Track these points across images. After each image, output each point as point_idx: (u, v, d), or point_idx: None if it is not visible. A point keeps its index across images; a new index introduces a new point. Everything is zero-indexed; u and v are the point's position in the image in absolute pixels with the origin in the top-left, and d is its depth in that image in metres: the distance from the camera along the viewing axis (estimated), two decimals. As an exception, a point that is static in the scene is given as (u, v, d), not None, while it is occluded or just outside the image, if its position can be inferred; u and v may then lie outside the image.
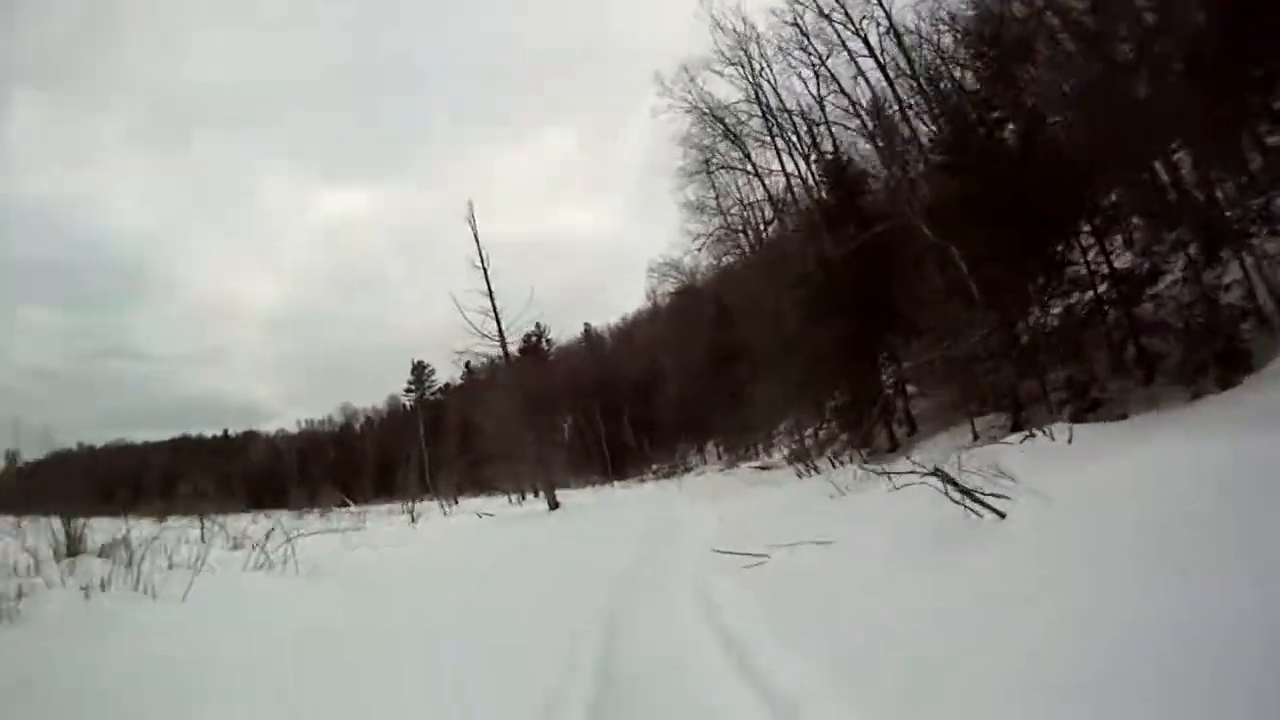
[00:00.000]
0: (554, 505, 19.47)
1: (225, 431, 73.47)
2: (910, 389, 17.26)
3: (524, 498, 30.13)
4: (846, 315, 16.00)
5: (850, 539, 6.48)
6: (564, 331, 60.04)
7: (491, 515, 18.73)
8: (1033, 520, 4.23)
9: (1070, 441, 6.95)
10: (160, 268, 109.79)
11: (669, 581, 7.41)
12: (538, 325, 68.68)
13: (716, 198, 29.46)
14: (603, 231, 76.85)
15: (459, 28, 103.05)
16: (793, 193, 25.07)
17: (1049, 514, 4.21)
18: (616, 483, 36.42)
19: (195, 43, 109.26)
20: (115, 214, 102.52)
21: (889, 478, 7.29)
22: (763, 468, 22.60)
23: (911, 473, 6.13)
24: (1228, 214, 10.55)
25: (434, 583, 7.42)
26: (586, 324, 60.10)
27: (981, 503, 4.71)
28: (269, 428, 73.43)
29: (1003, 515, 4.60)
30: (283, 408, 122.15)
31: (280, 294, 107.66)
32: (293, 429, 70.43)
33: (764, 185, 26.96)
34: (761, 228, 29.81)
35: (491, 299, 22.31)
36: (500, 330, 22.58)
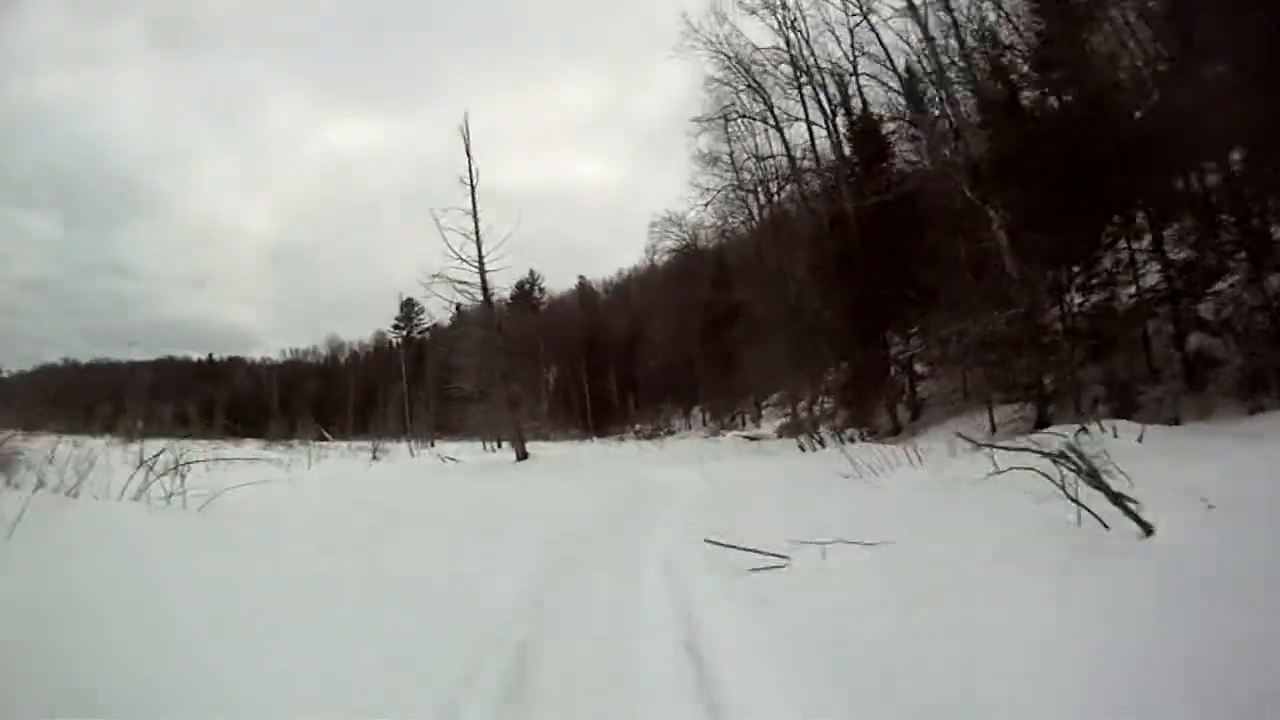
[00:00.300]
0: (522, 456, 18.29)
1: (210, 356, 71.49)
2: (919, 369, 16.02)
3: (499, 445, 29.00)
4: (860, 282, 14.67)
5: (912, 541, 4.41)
6: (562, 283, 58.70)
7: (456, 461, 17.62)
8: (1201, 540, 2.93)
9: (1140, 440, 5.71)
10: (158, 184, 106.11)
11: (633, 586, 4.73)
12: (531, 273, 67.03)
13: (731, 152, 27.67)
14: (610, 186, 74.92)
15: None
16: (815, 150, 23.36)
17: (1217, 530, 2.92)
18: (596, 439, 35.35)
19: None
20: (119, 123, 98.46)
21: (992, 459, 5.42)
22: (751, 437, 21.46)
23: (1025, 450, 4.63)
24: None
25: (320, 538, 5.54)
26: (581, 277, 58.43)
27: (1129, 510, 3.26)
28: (254, 354, 71.56)
29: (1148, 529, 3.22)
30: (269, 338, 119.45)
31: (276, 223, 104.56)
32: (277, 357, 68.77)
33: (783, 139, 25.14)
34: (775, 188, 28.17)
35: (475, 220, 20.36)
36: (480, 256, 20.67)
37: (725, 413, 34.30)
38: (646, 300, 46.96)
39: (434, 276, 23.66)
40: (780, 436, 18.18)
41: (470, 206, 20.17)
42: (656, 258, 38.11)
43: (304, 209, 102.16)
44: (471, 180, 20.27)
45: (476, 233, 20.21)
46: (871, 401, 15.61)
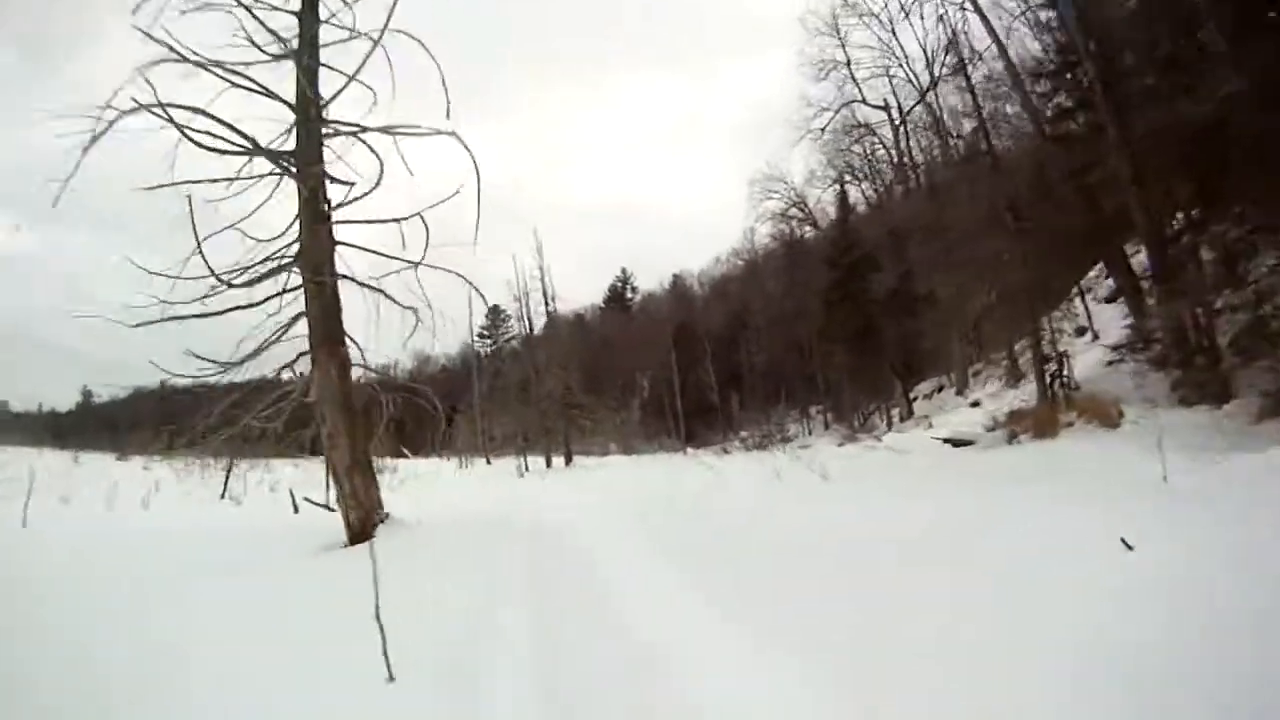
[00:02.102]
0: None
1: (300, 374, 71.52)
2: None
3: (549, 461, 25.49)
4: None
5: None
6: (656, 281, 54.52)
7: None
8: None
9: None
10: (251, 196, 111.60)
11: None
12: (623, 271, 61.71)
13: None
14: (703, 186, 70.69)
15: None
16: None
17: None
18: (689, 450, 28.70)
19: None
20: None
21: None
22: (956, 441, 11.90)
23: None
24: None
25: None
26: (675, 275, 52.70)
27: None
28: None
29: None
30: (368, 356, 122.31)
31: (355, 239, 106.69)
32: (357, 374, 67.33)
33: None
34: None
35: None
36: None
37: (856, 410, 26.81)
38: (747, 287, 40.25)
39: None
40: (1002, 429, 10.82)
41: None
42: (757, 223, 31.32)
43: (384, 227, 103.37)
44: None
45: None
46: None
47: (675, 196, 76.33)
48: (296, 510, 10.35)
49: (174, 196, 6.66)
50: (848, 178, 26.29)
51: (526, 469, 23.46)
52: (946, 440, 11.52)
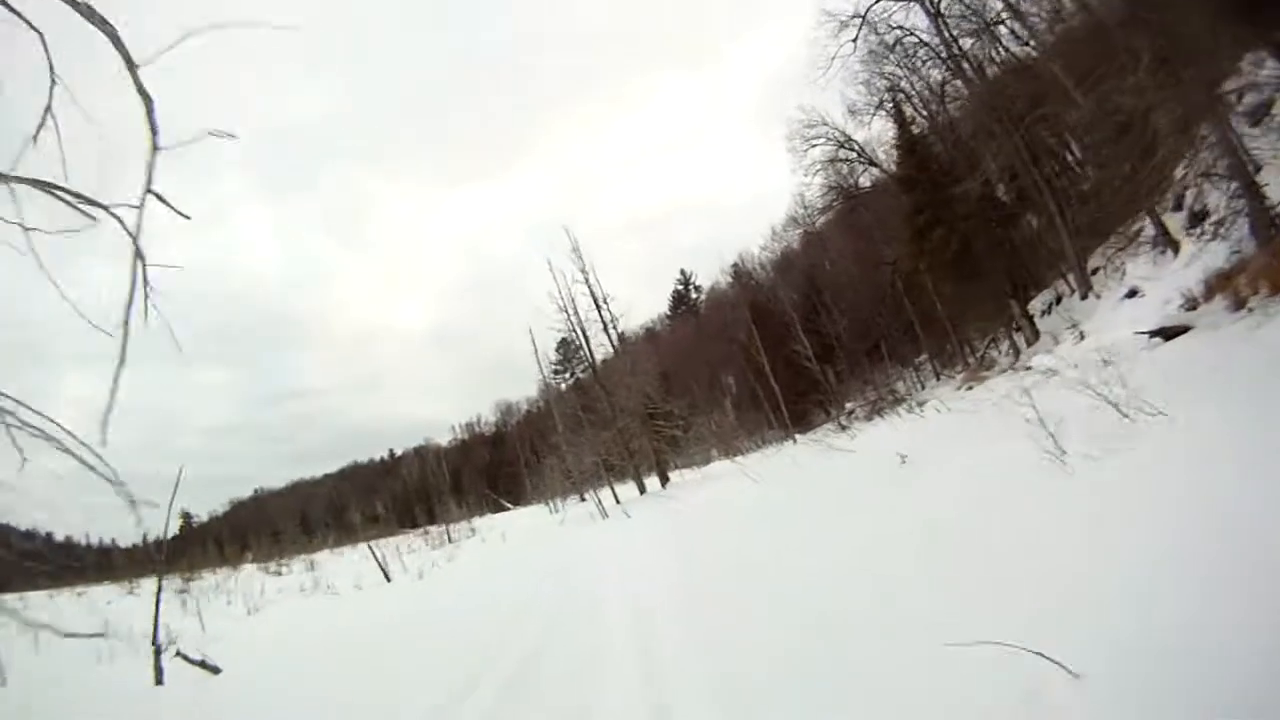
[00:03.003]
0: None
1: (391, 452, 73.61)
2: None
3: (642, 485, 23.47)
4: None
5: None
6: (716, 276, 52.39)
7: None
8: None
9: None
10: (307, 306, 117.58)
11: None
12: (683, 273, 59.81)
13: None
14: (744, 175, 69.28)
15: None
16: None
17: None
18: (798, 436, 25.98)
19: (297, 88, 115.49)
20: (255, 263, 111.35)
21: None
22: (1165, 333, 8.57)
23: None
24: None
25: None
26: (735, 263, 50.33)
27: None
28: (437, 437, 72.32)
29: None
30: (444, 416, 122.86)
31: (423, 310, 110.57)
32: (444, 439, 68.38)
33: None
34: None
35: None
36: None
37: (964, 347, 23.41)
38: (811, 250, 37.47)
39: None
40: (1214, 300, 7.93)
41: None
42: (807, 177, 28.55)
43: (446, 288, 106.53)
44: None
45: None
46: None
47: (718, 188, 74.73)
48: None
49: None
50: (890, 99, 23.31)
51: (603, 512, 19.40)
52: (1154, 334, 8.55)
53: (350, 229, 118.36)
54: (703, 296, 58.73)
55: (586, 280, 25.89)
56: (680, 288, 61.05)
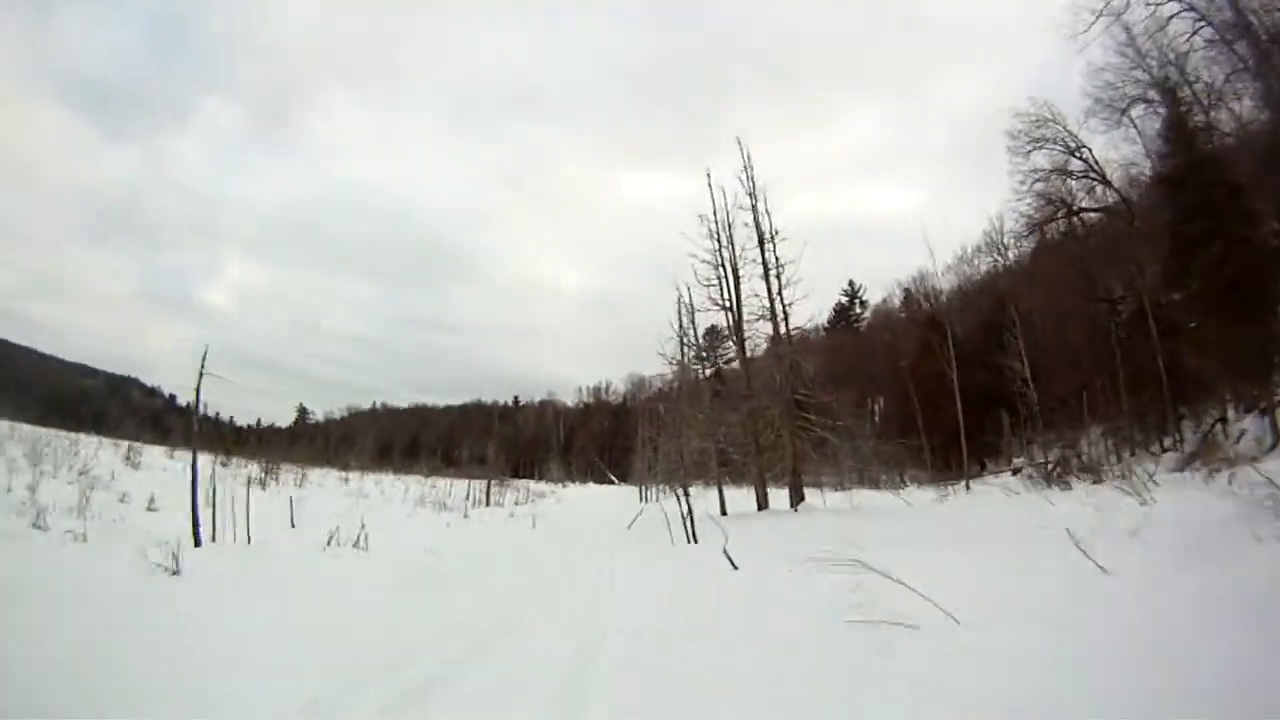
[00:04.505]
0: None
1: (516, 399, 75.54)
2: None
3: (763, 499, 19.00)
4: None
5: None
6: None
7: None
8: None
9: None
10: (467, 244, 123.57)
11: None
12: (851, 284, 55.84)
13: None
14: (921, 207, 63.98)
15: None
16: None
17: None
18: (974, 481, 22.27)
19: (494, 45, 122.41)
20: (424, 194, 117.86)
21: None
22: None
23: None
24: None
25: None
26: (906, 289, 46.32)
27: None
28: (564, 398, 73.44)
29: None
30: (574, 377, 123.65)
31: (580, 273, 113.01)
32: (570, 399, 69.22)
33: None
34: None
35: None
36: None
37: (1178, 420, 18.62)
38: (1005, 278, 32.84)
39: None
40: None
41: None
42: (1023, 186, 24.50)
43: (611, 260, 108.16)
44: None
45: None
46: None
47: (895, 210, 71.25)
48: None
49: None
50: (1153, 96, 18.97)
51: (691, 534, 13.74)
52: None
53: (529, 184, 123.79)
54: (867, 313, 54.95)
55: (754, 207, 19.86)
56: (845, 299, 57.26)
